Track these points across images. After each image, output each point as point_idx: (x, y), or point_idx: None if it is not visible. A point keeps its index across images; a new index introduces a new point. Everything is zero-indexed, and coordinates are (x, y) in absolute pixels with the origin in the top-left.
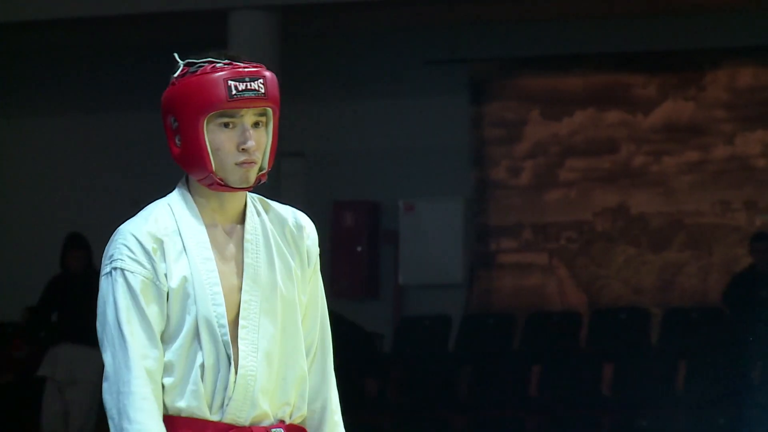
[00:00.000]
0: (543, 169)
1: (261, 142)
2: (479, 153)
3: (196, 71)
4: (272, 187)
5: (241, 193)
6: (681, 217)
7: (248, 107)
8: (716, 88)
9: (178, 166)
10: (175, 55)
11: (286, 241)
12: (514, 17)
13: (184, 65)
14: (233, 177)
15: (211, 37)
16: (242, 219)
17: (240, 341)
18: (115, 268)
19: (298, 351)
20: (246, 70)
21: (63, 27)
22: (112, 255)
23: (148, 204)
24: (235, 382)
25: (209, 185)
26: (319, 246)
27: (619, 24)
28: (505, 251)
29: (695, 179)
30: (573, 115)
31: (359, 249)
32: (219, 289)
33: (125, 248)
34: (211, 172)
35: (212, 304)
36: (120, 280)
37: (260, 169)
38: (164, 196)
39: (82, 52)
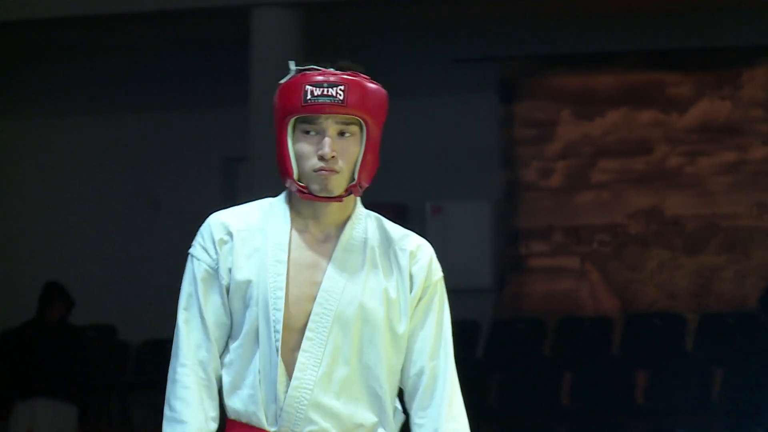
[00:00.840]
0: (575, 170)
1: (346, 151)
2: (509, 154)
3: (292, 77)
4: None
5: (338, 205)
6: (717, 220)
7: (322, 113)
8: (753, 87)
9: (199, 170)
10: (291, 62)
11: (388, 262)
12: (545, 14)
13: (294, 72)
14: (314, 185)
15: (233, 34)
16: (341, 231)
17: (301, 353)
18: (189, 254)
19: (377, 374)
20: (327, 76)
21: (79, 25)
22: (194, 239)
23: (167, 205)
24: (286, 393)
25: (295, 192)
26: None
27: (653, 21)
28: (535, 255)
29: (732, 180)
30: (605, 115)
31: None
32: (282, 294)
33: (200, 235)
34: (291, 177)
35: (272, 309)
36: (189, 265)
37: (352, 181)
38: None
39: (99, 50)
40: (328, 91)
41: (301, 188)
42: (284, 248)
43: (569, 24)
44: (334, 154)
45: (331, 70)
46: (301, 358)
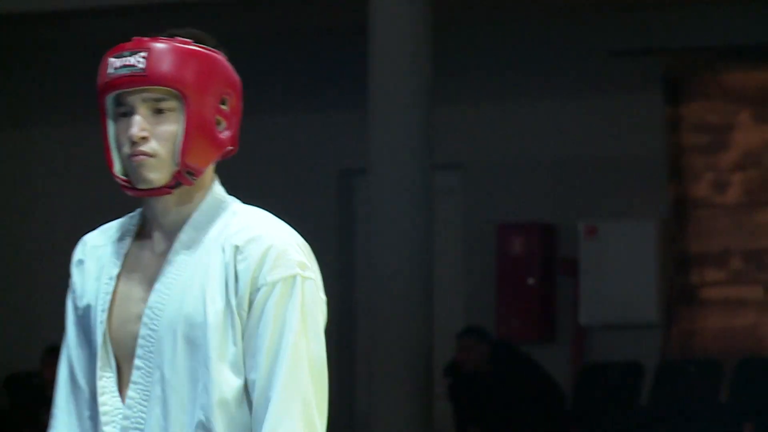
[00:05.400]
0: (755, 183)
1: (163, 131)
2: (676, 164)
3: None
4: (424, 206)
5: (176, 200)
6: None
7: (121, 87)
8: None
9: (311, 185)
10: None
11: (217, 263)
12: None
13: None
14: (133, 175)
15: (350, 25)
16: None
17: (131, 386)
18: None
19: (210, 401)
20: (129, 43)
21: (156, 13)
22: None
23: None
24: None
25: (122, 189)
26: (482, 276)
27: None
28: (709, 284)
29: None
30: None
31: (530, 282)
32: (104, 317)
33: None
34: (112, 172)
35: (98, 336)
36: (68, 291)
37: (177, 167)
38: None
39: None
40: (128, 61)
41: (123, 182)
42: (118, 262)
43: (749, 9)
44: (144, 134)
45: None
46: (130, 392)
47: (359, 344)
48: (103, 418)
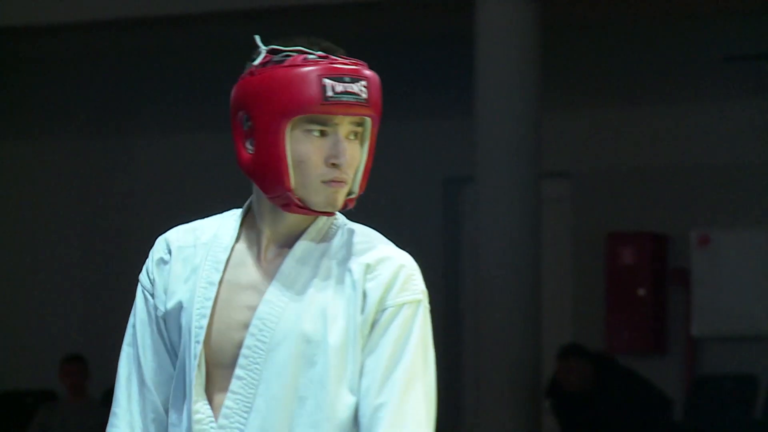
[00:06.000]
0: None
1: (355, 158)
2: None
3: (282, 61)
4: (532, 215)
5: (303, 215)
6: None
7: (346, 114)
8: None
9: (415, 194)
10: (257, 37)
11: (341, 279)
12: None
13: (267, 52)
14: (317, 198)
15: (454, 31)
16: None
17: (229, 395)
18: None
19: (322, 419)
20: (346, 67)
21: (254, 18)
22: None
23: None
24: None
25: (284, 206)
26: (591, 287)
27: None
28: None
29: None
30: None
31: (641, 293)
32: (205, 322)
33: (150, 254)
34: (289, 190)
35: (193, 341)
36: (138, 290)
37: (350, 193)
38: None
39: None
40: (351, 87)
41: (297, 202)
42: (219, 267)
43: None
44: (349, 162)
45: (339, 58)
46: (228, 401)
47: (465, 356)
48: (195, 427)
